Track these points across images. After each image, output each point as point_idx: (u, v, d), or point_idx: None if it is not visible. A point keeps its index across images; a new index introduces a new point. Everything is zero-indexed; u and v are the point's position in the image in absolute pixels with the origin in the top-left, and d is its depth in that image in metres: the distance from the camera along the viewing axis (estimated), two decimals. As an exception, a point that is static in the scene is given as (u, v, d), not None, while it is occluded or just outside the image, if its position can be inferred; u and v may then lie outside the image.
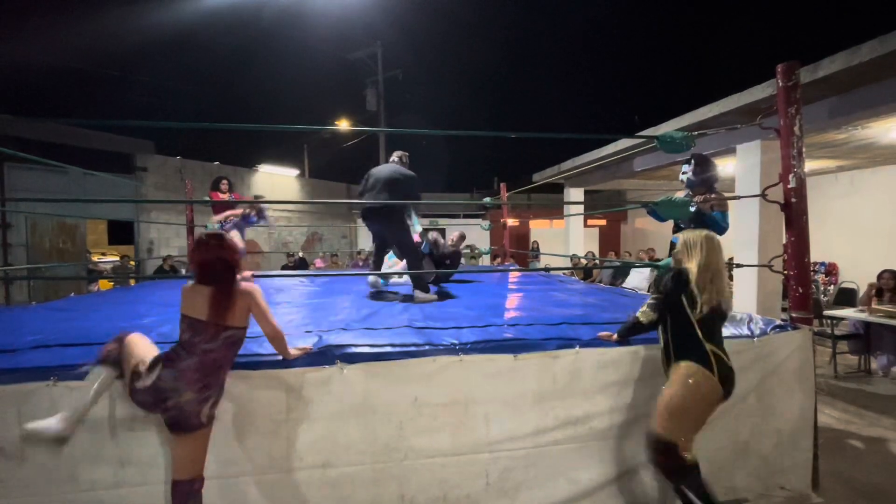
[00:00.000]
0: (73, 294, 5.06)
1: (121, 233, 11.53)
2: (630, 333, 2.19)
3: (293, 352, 1.95)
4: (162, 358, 1.67)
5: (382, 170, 3.54)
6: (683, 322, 1.92)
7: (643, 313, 2.09)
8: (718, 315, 1.95)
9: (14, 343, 2.03)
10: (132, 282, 6.30)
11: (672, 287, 1.96)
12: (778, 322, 2.50)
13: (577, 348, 2.16)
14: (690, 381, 1.86)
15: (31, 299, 7.40)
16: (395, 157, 3.72)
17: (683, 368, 1.89)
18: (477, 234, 12.21)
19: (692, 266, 1.95)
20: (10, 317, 2.75)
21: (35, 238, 7.92)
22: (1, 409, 1.72)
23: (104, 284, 6.94)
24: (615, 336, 2.24)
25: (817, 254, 2.81)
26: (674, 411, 1.86)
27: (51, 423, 1.62)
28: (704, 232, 2.04)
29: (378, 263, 3.86)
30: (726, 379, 1.89)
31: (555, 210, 13.40)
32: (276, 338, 1.87)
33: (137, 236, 9.76)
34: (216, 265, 1.74)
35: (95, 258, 10.03)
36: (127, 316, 2.78)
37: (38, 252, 7.94)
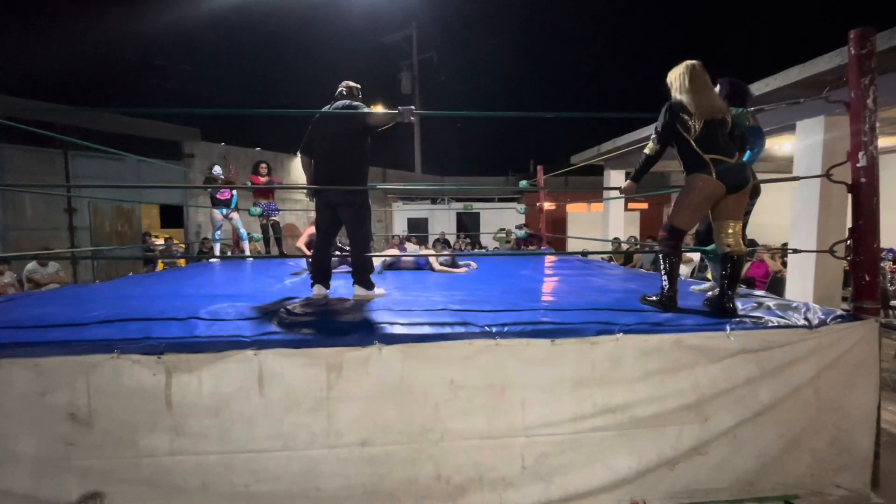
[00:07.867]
0: (131, 273, 5.41)
1: (172, 217, 12.19)
2: (644, 170, 2.47)
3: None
4: None
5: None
6: (685, 145, 2.29)
7: (648, 148, 2.39)
8: (716, 125, 2.27)
9: (82, 317, 2.19)
10: (181, 262, 6.66)
11: (667, 120, 2.30)
12: (839, 312, 2.32)
13: (617, 334, 2.10)
14: (695, 186, 2.27)
15: (95, 278, 7.98)
16: (342, 87, 2.81)
17: (690, 179, 2.29)
18: (513, 217, 12.04)
19: (681, 97, 2.28)
20: (78, 293, 2.97)
21: (97, 221, 8.50)
22: (72, 378, 1.86)
23: (161, 265, 7.40)
24: (633, 183, 2.56)
25: (884, 240, 2.59)
26: (679, 206, 2.35)
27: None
28: (685, 63, 2.33)
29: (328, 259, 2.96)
30: (728, 176, 2.24)
31: (593, 193, 12.99)
32: None
33: (186, 220, 10.28)
34: None
35: (158, 240, 10.63)
36: (180, 295, 2.94)
37: (100, 234, 8.53)
